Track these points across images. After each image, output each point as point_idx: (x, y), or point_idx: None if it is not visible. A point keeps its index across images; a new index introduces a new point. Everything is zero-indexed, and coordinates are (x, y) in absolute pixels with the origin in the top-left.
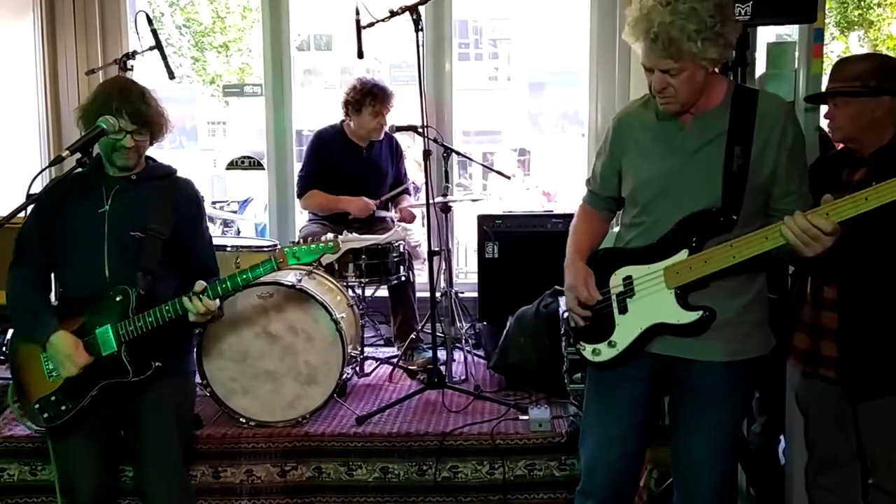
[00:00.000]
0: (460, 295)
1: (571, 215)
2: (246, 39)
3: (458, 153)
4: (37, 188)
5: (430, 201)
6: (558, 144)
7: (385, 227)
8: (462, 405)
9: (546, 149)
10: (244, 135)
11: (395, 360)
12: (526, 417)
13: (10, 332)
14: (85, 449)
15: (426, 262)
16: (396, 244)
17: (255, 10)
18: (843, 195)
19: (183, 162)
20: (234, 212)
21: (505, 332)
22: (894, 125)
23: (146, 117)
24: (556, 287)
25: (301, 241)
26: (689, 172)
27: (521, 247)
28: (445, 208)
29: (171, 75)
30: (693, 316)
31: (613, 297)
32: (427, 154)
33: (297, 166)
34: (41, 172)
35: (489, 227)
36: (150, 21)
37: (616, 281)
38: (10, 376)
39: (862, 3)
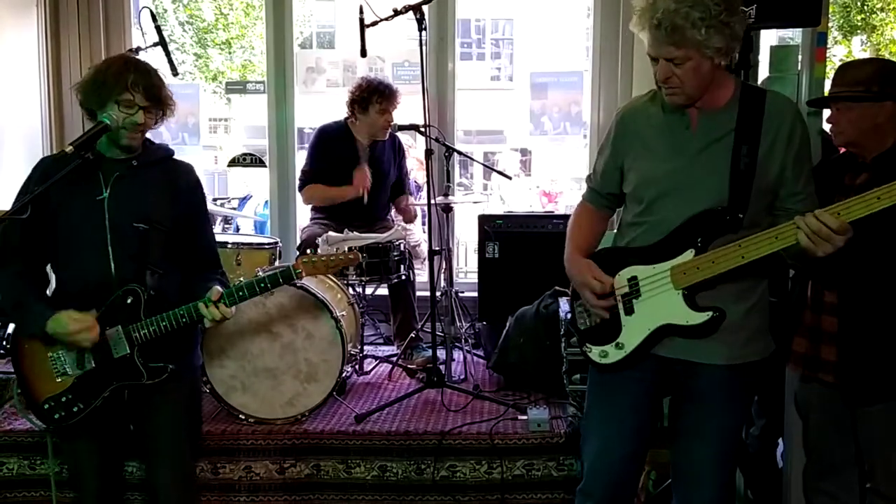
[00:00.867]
0: (460, 294)
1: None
2: (248, 36)
3: (459, 153)
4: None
5: (432, 201)
6: (560, 145)
7: (386, 226)
8: (461, 405)
9: (547, 149)
10: (246, 132)
11: (394, 359)
12: (525, 417)
13: (11, 326)
14: (92, 445)
15: (426, 262)
16: (397, 243)
17: (258, 7)
18: (844, 198)
19: (185, 158)
20: (234, 209)
21: (504, 332)
22: None
23: (161, 95)
24: (557, 288)
25: (319, 256)
26: (694, 171)
27: (521, 247)
28: (446, 208)
29: (175, 72)
30: (703, 317)
31: (619, 298)
32: (429, 153)
33: (299, 164)
34: (45, 168)
35: (490, 227)
36: (153, 17)
37: (621, 282)
38: (8, 371)
39: (865, 7)
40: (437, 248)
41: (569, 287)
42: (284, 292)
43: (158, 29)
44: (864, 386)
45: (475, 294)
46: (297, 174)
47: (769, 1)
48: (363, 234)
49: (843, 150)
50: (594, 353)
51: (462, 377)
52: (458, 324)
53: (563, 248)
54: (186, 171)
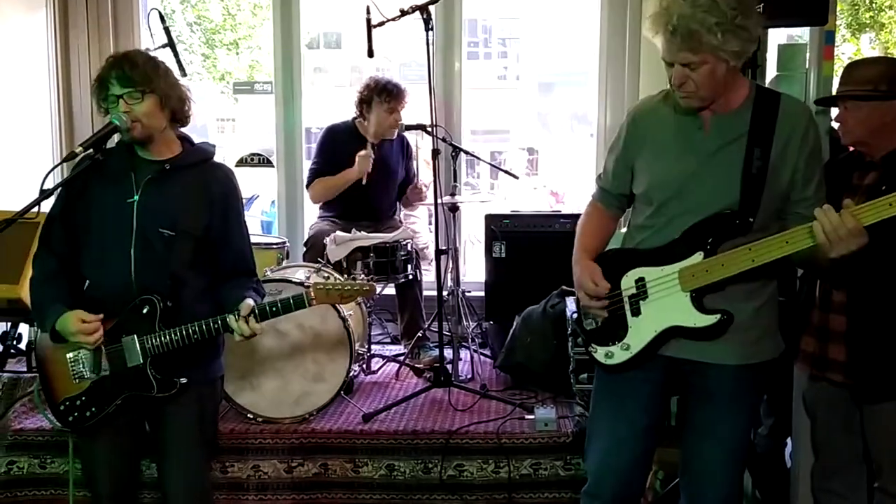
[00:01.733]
0: (467, 294)
1: (579, 215)
2: (256, 37)
3: (466, 152)
4: (49, 184)
5: (439, 201)
6: (567, 144)
7: (393, 226)
8: (468, 404)
9: (554, 148)
10: (253, 132)
11: (401, 359)
12: (532, 417)
13: (21, 325)
14: (107, 446)
15: (433, 263)
16: (404, 243)
17: (265, 7)
18: (853, 199)
19: None
20: None
21: (511, 331)
22: None
23: (135, 77)
24: (564, 287)
25: (334, 285)
26: (706, 173)
27: (528, 246)
28: (453, 208)
29: (183, 72)
30: (710, 319)
31: (626, 298)
32: (436, 153)
33: (307, 164)
34: (54, 168)
35: (497, 227)
36: (162, 19)
37: (628, 282)
38: (19, 370)
39: (873, 5)
40: (443, 248)
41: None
42: (292, 292)
43: (167, 30)
44: (873, 385)
45: (482, 293)
46: (305, 174)
47: (777, 0)
48: (370, 234)
49: (851, 148)
50: (599, 353)
51: (469, 376)
52: (465, 323)
53: (571, 248)
54: (223, 175)
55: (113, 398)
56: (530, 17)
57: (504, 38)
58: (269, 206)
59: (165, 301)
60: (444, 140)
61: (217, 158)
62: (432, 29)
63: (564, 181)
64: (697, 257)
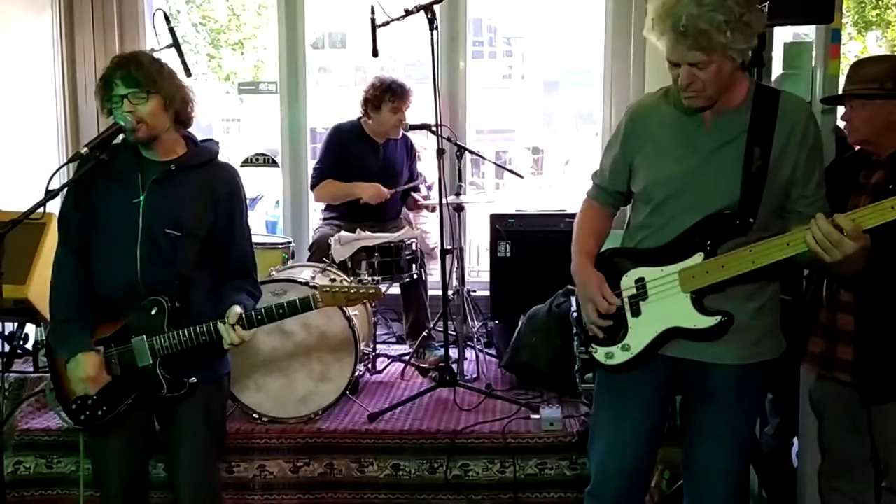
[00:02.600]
0: (472, 293)
1: None
2: (261, 37)
3: (471, 152)
4: (55, 184)
5: (443, 200)
6: (572, 143)
7: (397, 226)
8: (473, 403)
9: (559, 147)
10: (258, 132)
11: (407, 358)
12: (537, 416)
13: (28, 325)
14: (118, 444)
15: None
16: (409, 242)
17: (270, 7)
18: (860, 198)
19: None
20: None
21: (517, 330)
22: None
23: (139, 77)
24: (569, 287)
25: (341, 288)
26: (706, 173)
27: (533, 246)
28: (458, 207)
29: (188, 73)
30: (711, 321)
31: (626, 299)
32: (441, 153)
33: (312, 164)
34: (60, 169)
35: (502, 226)
36: (167, 19)
37: (628, 283)
38: (26, 370)
39: (880, 3)
40: (448, 248)
41: None
42: (297, 292)
43: (172, 31)
44: (881, 385)
45: (487, 293)
46: (310, 174)
47: None
48: (375, 234)
49: (857, 147)
50: (599, 353)
51: (474, 376)
52: (470, 323)
53: (572, 251)
54: (228, 176)
55: (123, 398)
56: (535, 16)
57: (509, 37)
58: (273, 206)
59: (173, 302)
60: (448, 139)
61: (222, 158)
62: (437, 28)
63: (569, 180)
64: (697, 258)
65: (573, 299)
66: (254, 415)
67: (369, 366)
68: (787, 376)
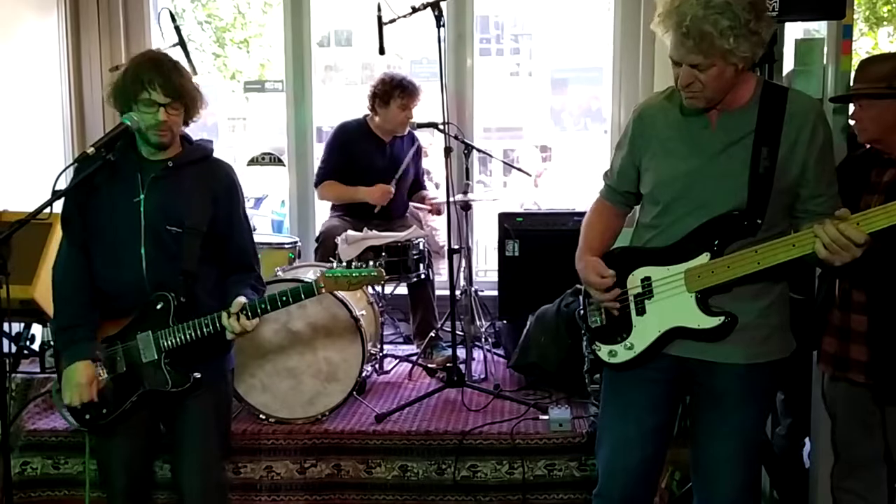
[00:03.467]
0: (480, 293)
1: None
2: (267, 35)
3: (479, 150)
4: (62, 184)
5: (451, 199)
6: (580, 141)
7: (405, 225)
8: (482, 404)
9: (568, 145)
10: (264, 130)
11: (414, 358)
12: (546, 417)
13: (35, 326)
14: (123, 445)
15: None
16: (416, 242)
17: (276, 5)
18: (871, 197)
19: None
20: (250, 208)
21: (525, 330)
22: None
23: (180, 89)
24: (578, 286)
25: (344, 265)
26: (713, 173)
27: (541, 245)
28: (466, 206)
29: (195, 72)
30: (714, 321)
31: (631, 297)
32: (448, 151)
33: (318, 162)
34: (66, 169)
35: (510, 225)
36: (173, 18)
37: (634, 281)
38: (32, 371)
39: None
40: (456, 247)
41: None
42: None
43: (178, 29)
44: (895, 385)
45: (495, 293)
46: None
47: None
48: (382, 233)
49: (868, 146)
50: (603, 351)
51: (482, 376)
52: (478, 323)
53: (578, 244)
54: (224, 171)
55: (128, 395)
56: (543, 13)
57: (516, 34)
58: (278, 205)
59: (179, 297)
60: (456, 138)
61: (229, 157)
62: (444, 26)
63: (577, 178)
64: (704, 258)
65: (580, 299)
66: (261, 415)
67: (377, 366)
68: (799, 376)
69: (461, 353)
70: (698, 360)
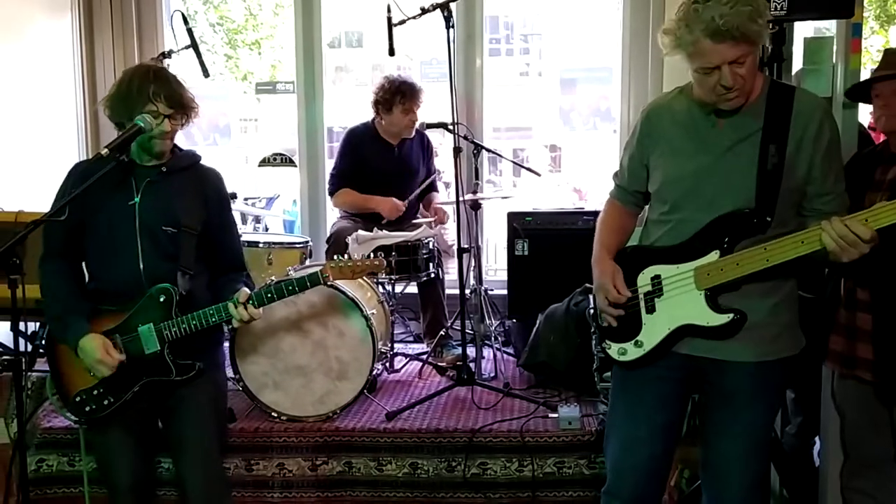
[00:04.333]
0: (490, 292)
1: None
2: (278, 36)
3: (488, 150)
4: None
5: (460, 199)
6: (590, 141)
7: (415, 225)
8: (491, 402)
9: (577, 145)
10: (276, 132)
11: (424, 357)
12: (555, 415)
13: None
14: (123, 439)
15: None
16: (426, 241)
17: (287, 7)
18: (876, 195)
19: (217, 159)
20: (262, 208)
21: (534, 329)
22: None
23: (183, 101)
24: (587, 285)
25: (347, 256)
26: (721, 170)
27: (551, 244)
28: (475, 205)
29: (206, 73)
30: (723, 319)
31: (641, 296)
32: (457, 151)
33: (329, 163)
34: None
35: (519, 225)
36: (185, 20)
37: (644, 280)
38: (47, 369)
39: None
40: (466, 246)
41: None
42: (315, 290)
43: (190, 32)
44: None
45: (505, 291)
46: (327, 174)
47: None
48: (392, 233)
49: (882, 138)
50: (613, 349)
51: (492, 375)
52: (488, 321)
53: (593, 245)
54: (213, 176)
55: (130, 386)
56: (552, 13)
57: (526, 34)
58: (290, 205)
59: (180, 291)
60: (465, 138)
61: (241, 158)
62: (453, 26)
63: (587, 178)
64: (713, 256)
65: (591, 297)
66: (273, 413)
67: (387, 364)
68: (809, 375)
69: (471, 351)
70: (708, 358)
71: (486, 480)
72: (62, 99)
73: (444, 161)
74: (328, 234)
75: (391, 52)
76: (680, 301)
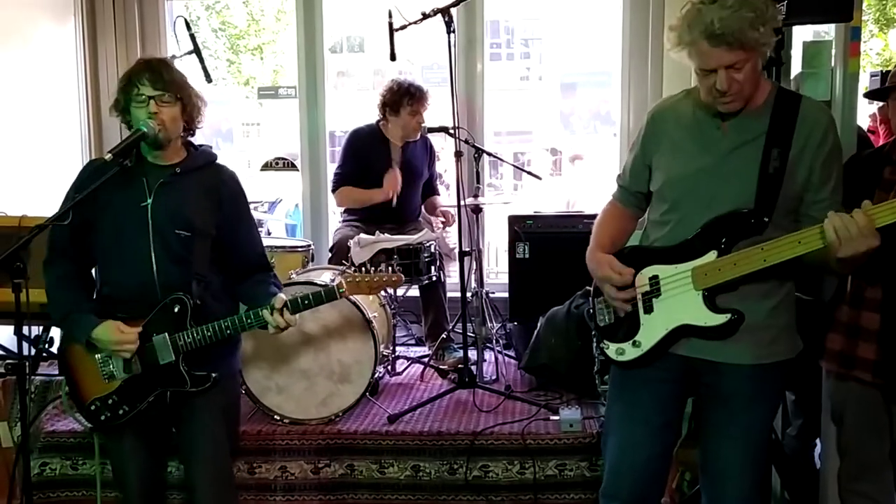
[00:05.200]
0: (491, 295)
1: None
2: (280, 42)
3: (489, 154)
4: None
5: (461, 202)
6: (590, 145)
7: (417, 228)
8: (493, 405)
9: (577, 149)
10: (278, 136)
11: (426, 360)
12: (557, 418)
13: (53, 329)
14: (135, 445)
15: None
16: (427, 244)
17: (289, 12)
18: (886, 194)
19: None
20: (264, 213)
21: (535, 332)
22: None
23: (166, 81)
24: (588, 288)
25: (364, 270)
26: (722, 171)
27: (552, 247)
28: (476, 209)
29: (209, 79)
30: (721, 319)
31: (639, 296)
32: (458, 155)
33: (331, 167)
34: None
35: (520, 228)
36: (188, 25)
37: (642, 280)
38: (51, 373)
39: None
40: (467, 249)
41: None
42: None
43: (193, 37)
44: None
45: (506, 294)
46: (329, 178)
47: None
48: (394, 236)
49: (879, 143)
50: (611, 349)
51: (493, 378)
52: (489, 324)
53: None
54: (229, 177)
55: (145, 395)
56: (552, 18)
57: (526, 38)
58: (292, 209)
59: (194, 299)
60: (466, 142)
61: (243, 162)
62: (454, 31)
63: (586, 182)
64: (711, 256)
65: (590, 299)
66: (275, 416)
67: (389, 367)
68: (809, 377)
69: (472, 354)
70: (705, 360)
71: (488, 483)
72: (65, 104)
73: (445, 165)
74: (331, 244)
75: (392, 57)
76: (678, 301)
